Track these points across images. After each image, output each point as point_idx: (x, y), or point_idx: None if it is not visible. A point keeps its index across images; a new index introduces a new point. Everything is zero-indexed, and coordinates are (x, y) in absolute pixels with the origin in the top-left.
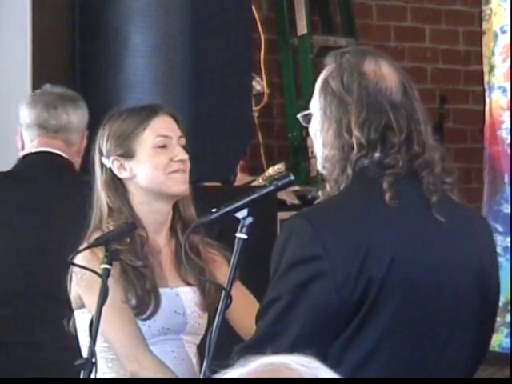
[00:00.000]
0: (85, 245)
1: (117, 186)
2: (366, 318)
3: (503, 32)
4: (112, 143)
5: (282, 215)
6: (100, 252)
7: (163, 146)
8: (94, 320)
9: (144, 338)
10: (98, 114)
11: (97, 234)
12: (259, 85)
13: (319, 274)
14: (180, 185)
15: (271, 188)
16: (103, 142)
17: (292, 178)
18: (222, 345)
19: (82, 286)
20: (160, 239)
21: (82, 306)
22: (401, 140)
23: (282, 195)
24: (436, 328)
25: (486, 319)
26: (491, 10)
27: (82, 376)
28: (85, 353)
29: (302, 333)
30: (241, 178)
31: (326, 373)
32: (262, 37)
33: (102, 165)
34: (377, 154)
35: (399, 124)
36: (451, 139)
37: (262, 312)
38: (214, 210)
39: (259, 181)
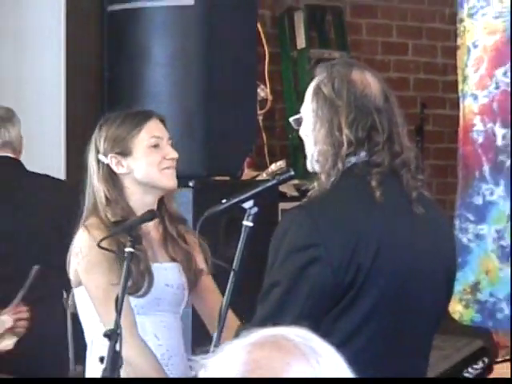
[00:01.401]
0: (82, 227)
1: (114, 180)
2: (356, 297)
3: (475, 46)
4: (110, 143)
5: (282, 205)
6: (98, 234)
7: (156, 146)
8: (119, 297)
9: (134, 320)
10: None
11: (93, 219)
12: (263, 92)
13: (317, 259)
14: (171, 180)
15: (274, 182)
16: (100, 142)
17: (292, 173)
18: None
19: (81, 266)
20: (149, 225)
21: (81, 283)
22: (384, 139)
23: (283, 188)
24: (412, 305)
25: (448, 294)
26: (464, 27)
27: (108, 345)
28: (86, 327)
29: (303, 311)
30: (247, 173)
31: (319, 343)
32: (266, 50)
33: (99, 161)
34: (363, 152)
35: (382, 125)
36: (431, 140)
37: (263, 295)
38: (223, 201)
39: (263, 175)
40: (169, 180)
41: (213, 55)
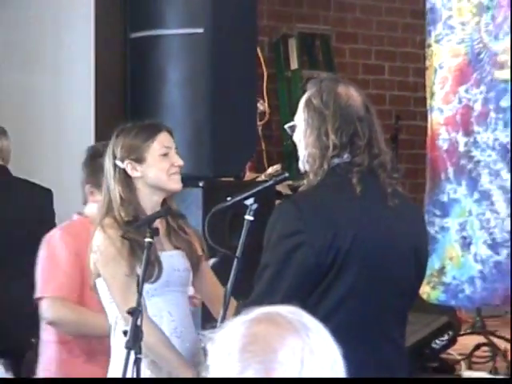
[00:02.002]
0: (99, 227)
1: (128, 183)
2: (336, 277)
3: (441, 68)
4: (126, 150)
5: (278, 202)
6: (112, 233)
7: (165, 154)
8: (139, 281)
9: (144, 304)
10: None
11: (108, 220)
12: (262, 106)
13: (301, 244)
14: (177, 183)
15: (271, 182)
16: (117, 149)
17: (286, 175)
18: None
19: (100, 261)
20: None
21: (100, 275)
22: (364, 144)
23: (278, 188)
24: (386, 283)
25: (418, 278)
26: (432, 51)
27: (131, 321)
28: (108, 311)
29: (290, 289)
30: (248, 175)
31: (308, 319)
32: (264, 71)
33: (116, 166)
34: (346, 154)
35: (363, 132)
36: (404, 147)
37: (258, 275)
38: (228, 198)
39: (262, 177)
40: (175, 184)
41: (219, 75)
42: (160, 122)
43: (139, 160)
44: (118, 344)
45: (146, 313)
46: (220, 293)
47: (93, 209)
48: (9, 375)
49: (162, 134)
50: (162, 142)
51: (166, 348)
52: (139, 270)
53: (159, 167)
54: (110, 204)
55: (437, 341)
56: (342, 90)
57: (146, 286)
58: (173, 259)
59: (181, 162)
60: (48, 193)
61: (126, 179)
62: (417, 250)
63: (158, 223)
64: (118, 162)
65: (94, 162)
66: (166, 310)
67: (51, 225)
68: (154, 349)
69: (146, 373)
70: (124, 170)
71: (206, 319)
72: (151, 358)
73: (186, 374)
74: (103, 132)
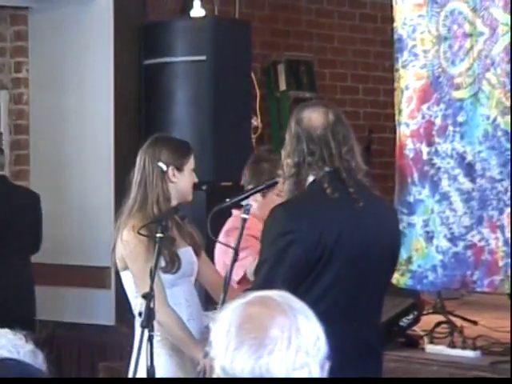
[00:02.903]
0: (128, 226)
1: (166, 184)
2: (322, 270)
3: (407, 89)
4: (172, 157)
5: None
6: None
7: (193, 170)
8: (152, 268)
9: (164, 293)
10: None
11: (137, 218)
12: (256, 122)
13: (293, 242)
14: (192, 196)
15: (263, 186)
16: (161, 154)
17: (276, 180)
18: None
19: (128, 256)
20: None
21: (126, 267)
22: (335, 158)
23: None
24: (366, 275)
25: (392, 269)
26: (399, 75)
27: (144, 304)
28: (132, 300)
29: (285, 280)
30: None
31: (296, 302)
32: (257, 91)
33: (159, 167)
34: (319, 165)
35: (332, 147)
36: (376, 156)
37: (257, 269)
38: (227, 200)
39: None
40: (191, 196)
41: (219, 95)
42: (188, 143)
43: (179, 169)
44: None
45: (166, 301)
46: (218, 278)
47: (254, 206)
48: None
49: (192, 153)
50: (192, 161)
51: (181, 329)
52: (162, 263)
53: (189, 180)
54: (145, 200)
55: (404, 319)
56: (307, 114)
57: (168, 277)
58: (187, 254)
59: (196, 180)
60: (34, 195)
61: (164, 181)
62: (393, 245)
63: (172, 225)
64: (162, 165)
65: (257, 166)
66: (183, 297)
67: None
68: (170, 330)
69: (170, 353)
70: (164, 173)
71: (208, 302)
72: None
73: (198, 352)
74: (121, 145)
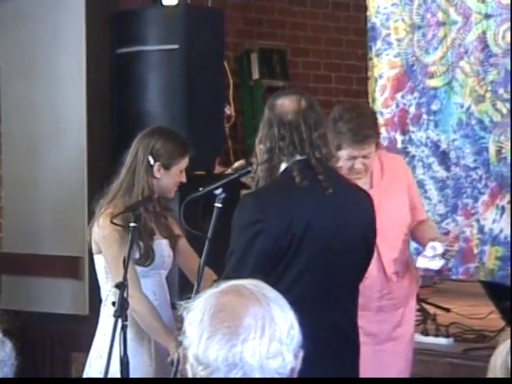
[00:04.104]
0: (112, 205)
1: (148, 177)
2: (292, 259)
3: (381, 77)
4: (161, 154)
5: (243, 192)
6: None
7: (182, 171)
8: (126, 259)
9: (139, 281)
10: (129, 132)
11: (117, 205)
12: (229, 110)
13: (261, 231)
14: (173, 194)
15: (236, 175)
16: (155, 148)
17: (249, 169)
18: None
19: (101, 237)
20: (150, 213)
21: (100, 251)
22: (305, 144)
23: (243, 179)
24: (337, 262)
25: (367, 256)
26: (373, 63)
27: (118, 293)
28: (102, 284)
29: (253, 270)
30: (217, 169)
31: (269, 290)
32: (231, 80)
33: (148, 160)
34: (290, 150)
35: (303, 132)
36: None
37: (226, 259)
38: (200, 189)
39: (229, 171)
40: (173, 194)
41: (192, 84)
42: (188, 143)
43: (166, 167)
44: (106, 314)
45: (140, 289)
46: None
47: None
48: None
49: (188, 154)
50: (186, 162)
51: (154, 318)
52: (137, 255)
53: (174, 180)
54: (131, 188)
55: None
56: (280, 100)
57: (139, 268)
58: (161, 246)
59: (185, 181)
60: None
61: (150, 175)
62: (365, 231)
63: (152, 217)
64: (151, 159)
65: None
66: (151, 290)
67: None
68: (143, 317)
69: (129, 342)
70: (150, 167)
71: (182, 292)
72: (135, 329)
73: (170, 341)
74: (94, 134)
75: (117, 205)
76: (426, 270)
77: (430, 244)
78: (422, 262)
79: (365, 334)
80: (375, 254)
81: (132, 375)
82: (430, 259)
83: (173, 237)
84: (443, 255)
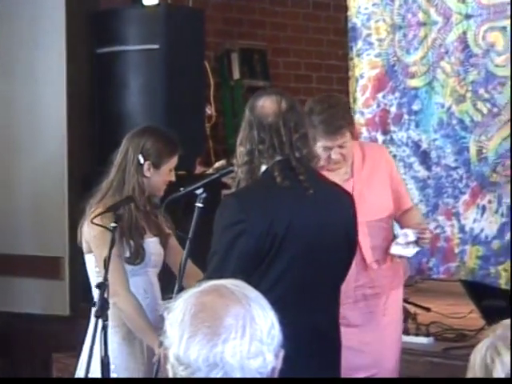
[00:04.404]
0: (101, 204)
1: (139, 176)
2: (273, 259)
3: (362, 77)
4: (151, 153)
5: (224, 192)
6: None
7: (171, 170)
8: (106, 259)
9: (127, 280)
10: (109, 131)
11: (114, 198)
12: (210, 110)
13: (243, 232)
14: (162, 193)
15: (217, 175)
16: (145, 147)
17: (230, 169)
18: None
19: (91, 237)
20: (141, 211)
21: (90, 251)
22: (285, 146)
23: (224, 179)
24: (319, 262)
25: (349, 255)
26: (354, 63)
27: (98, 293)
28: (93, 284)
29: (235, 271)
30: (198, 169)
31: (250, 290)
32: (211, 80)
33: (138, 159)
34: (270, 153)
35: (283, 135)
36: None
37: (208, 260)
38: (181, 189)
39: (210, 171)
40: (162, 193)
41: (172, 84)
42: (178, 142)
43: (156, 166)
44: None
45: (128, 287)
46: (188, 265)
47: None
48: None
49: (177, 153)
50: (175, 160)
51: (140, 317)
52: (127, 253)
53: (164, 179)
54: (121, 186)
55: None
56: (260, 101)
57: (130, 267)
58: (151, 245)
59: (174, 180)
60: None
61: (140, 173)
62: (347, 231)
63: (141, 216)
64: (141, 158)
65: None
66: (142, 288)
67: None
68: (128, 316)
69: (120, 342)
70: (140, 166)
71: (164, 291)
72: (126, 329)
73: (156, 340)
74: (74, 134)
75: (106, 204)
76: (400, 257)
77: (403, 231)
78: (395, 249)
79: (347, 324)
80: None
81: (125, 375)
82: (403, 246)
83: (163, 235)
84: (416, 243)
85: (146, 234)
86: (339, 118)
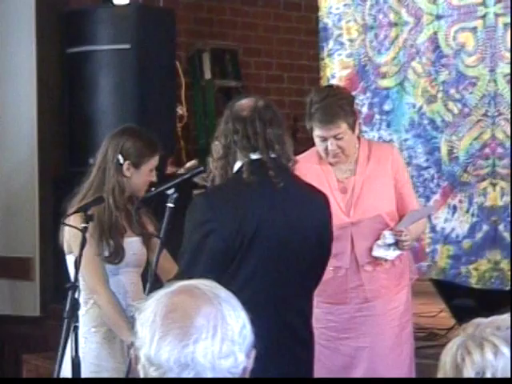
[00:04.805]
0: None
1: (119, 176)
2: (244, 258)
3: (333, 77)
4: (131, 153)
5: (195, 192)
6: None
7: (152, 170)
8: (77, 258)
9: (107, 278)
10: (80, 131)
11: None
12: (181, 110)
13: (212, 231)
14: (143, 193)
15: (188, 175)
16: (124, 148)
17: (201, 168)
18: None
19: (71, 236)
20: (121, 211)
21: (71, 251)
22: (259, 138)
23: (195, 179)
24: (289, 262)
25: (323, 256)
26: (325, 63)
27: (69, 296)
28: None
29: (205, 270)
30: (170, 169)
31: (221, 290)
32: (183, 80)
33: (118, 160)
34: (244, 143)
35: (257, 126)
36: (301, 144)
37: (179, 259)
38: (153, 189)
39: (181, 170)
40: (143, 193)
41: (143, 84)
42: (159, 142)
43: (136, 165)
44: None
45: (107, 286)
46: (170, 266)
47: None
48: None
49: (158, 154)
50: (155, 161)
51: (118, 314)
52: (106, 253)
53: (144, 179)
54: (101, 186)
55: None
56: (238, 101)
57: (110, 266)
58: (132, 244)
59: (155, 179)
60: None
61: (120, 174)
62: (319, 232)
63: (123, 216)
64: (121, 158)
65: None
66: (123, 287)
67: None
68: (107, 313)
69: (100, 342)
70: (120, 166)
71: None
72: (105, 329)
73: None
74: (45, 133)
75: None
76: (381, 259)
77: (383, 233)
78: (377, 252)
79: (339, 329)
80: (348, 244)
81: (107, 375)
82: (385, 248)
83: (146, 234)
84: (396, 245)
85: (127, 234)
86: (336, 108)
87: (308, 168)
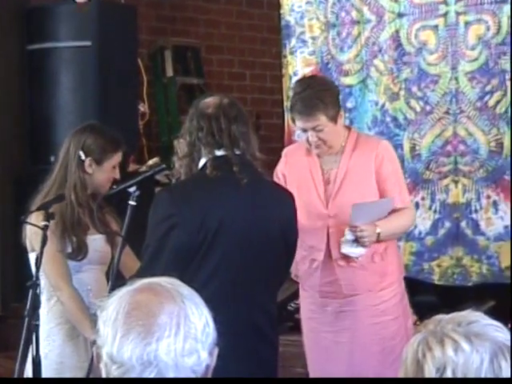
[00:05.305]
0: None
1: (80, 172)
2: (206, 254)
3: (295, 75)
4: (93, 149)
5: (157, 189)
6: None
7: (114, 167)
8: (38, 256)
9: (70, 274)
10: (42, 128)
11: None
12: (143, 108)
13: (175, 225)
14: (107, 191)
15: (150, 172)
16: (86, 144)
17: (164, 166)
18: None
19: (32, 234)
20: (84, 208)
21: (33, 249)
22: (223, 134)
23: (157, 177)
24: (252, 258)
25: (287, 253)
26: (287, 61)
27: (30, 293)
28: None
29: (168, 264)
30: (132, 167)
31: (184, 288)
32: (144, 77)
33: (79, 156)
34: (208, 139)
35: (222, 123)
36: (264, 142)
37: (142, 254)
38: (114, 187)
39: (143, 168)
40: (106, 191)
41: (105, 81)
42: (122, 139)
43: (98, 162)
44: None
45: (70, 283)
46: (134, 263)
47: None
48: None
49: (121, 150)
50: (118, 157)
51: (80, 311)
52: (69, 249)
53: (107, 176)
54: (63, 183)
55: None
56: (203, 99)
57: (73, 263)
58: (95, 242)
59: (118, 176)
60: None
61: (81, 170)
62: (283, 229)
63: (86, 213)
64: (82, 154)
65: None
66: (86, 284)
67: None
68: (69, 310)
69: (64, 339)
70: (82, 162)
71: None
72: (69, 326)
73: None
74: (4, 132)
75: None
76: (347, 256)
77: (345, 229)
78: (344, 249)
79: (320, 322)
80: (324, 237)
81: (70, 374)
82: (351, 246)
83: (110, 233)
84: (357, 242)
85: (90, 231)
86: (314, 100)
87: (296, 160)
